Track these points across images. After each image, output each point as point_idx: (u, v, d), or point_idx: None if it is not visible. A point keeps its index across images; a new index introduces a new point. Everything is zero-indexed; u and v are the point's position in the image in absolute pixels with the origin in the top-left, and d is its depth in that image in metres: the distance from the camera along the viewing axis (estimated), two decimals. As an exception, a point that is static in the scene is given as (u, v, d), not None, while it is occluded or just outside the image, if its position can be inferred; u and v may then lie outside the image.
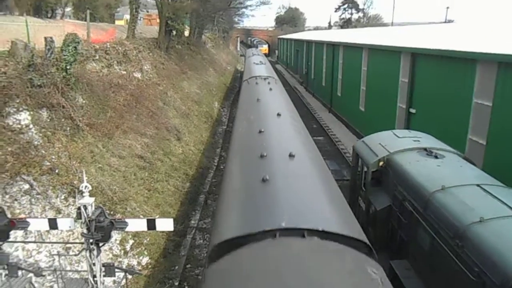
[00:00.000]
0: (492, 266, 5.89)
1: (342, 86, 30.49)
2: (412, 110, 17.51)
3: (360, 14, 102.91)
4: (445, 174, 8.58)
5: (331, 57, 33.37)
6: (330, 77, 33.58)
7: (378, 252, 5.41)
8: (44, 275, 8.35)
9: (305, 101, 39.51)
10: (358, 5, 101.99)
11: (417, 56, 17.17)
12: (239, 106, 15.03)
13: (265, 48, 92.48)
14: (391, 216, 9.57)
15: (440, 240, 7.23)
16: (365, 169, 10.81)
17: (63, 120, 12.08)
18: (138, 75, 20.44)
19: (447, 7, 68.42)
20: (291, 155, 6.88)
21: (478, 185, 7.84)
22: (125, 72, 19.06)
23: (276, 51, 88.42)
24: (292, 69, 62.76)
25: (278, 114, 10.39)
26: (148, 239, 11.48)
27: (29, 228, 6.82)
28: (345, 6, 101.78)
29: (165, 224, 7.15)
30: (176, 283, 10.59)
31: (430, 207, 7.83)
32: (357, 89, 25.78)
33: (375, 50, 22.77)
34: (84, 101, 13.80)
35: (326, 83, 35.63)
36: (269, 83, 17.99)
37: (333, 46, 32.62)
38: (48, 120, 11.65)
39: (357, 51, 25.87)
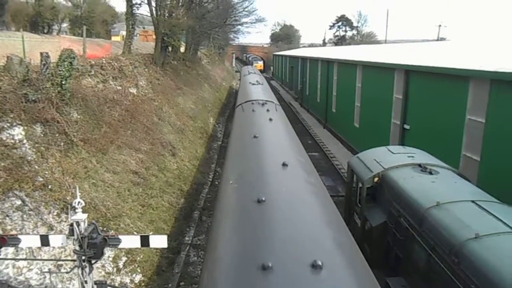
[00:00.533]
0: (488, 282, 5.85)
1: (337, 102, 30.70)
2: (407, 126, 17.63)
3: (354, 32, 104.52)
4: (439, 190, 8.59)
5: (325, 74, 33.68)
6: (324, 93, 33.82)
7: (374, 269, 5.36)
8: (34, 293, 8.18)
9: (300, 117, 39.68)
10: (352, 22, 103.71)
11: (411, 73, 17.37)
12: (230, 144, 11.85)
13: (260, 64, 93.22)
14: (386, 233, 9.53)
15: (435, 257, 7.19)
16: (360, 185, 10.81)
17: (57, 135, 12.02)
18: (133, 90, 20.47)
19: (439, 25, 69.50)
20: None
21: (473, 201, 7.84)
22: (120, 88, 19.08)
23: (271, 67, 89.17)
24: (287, 85, 63.19)
25: (284, 165, 7.60)
26: (141, 256, 11.32)
27: (20, 245, 6.70)
28: (339, 23, 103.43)
29: (159, 241, 7.06)
30: (170, 301, 10.41)
31: (425, 224, 7.81)
32: (351, 105, 25.96)
33: (369, 67, 23.02)
34: (78, 116, 13.76)
35: (321, 99, 35.86)
36: (268, 110, 15.14)
37: (328, 63, 32.96)
38: (42, 135, 11.59)
39: (351, 68, 26.14)
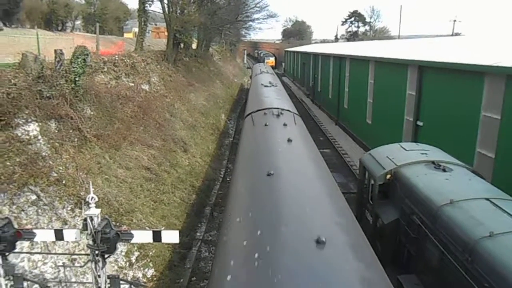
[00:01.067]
0: (502, 281, 5.77)
1: (349, 98, 30.49)
2: (420, 123, 17.43)
3: (367, 27, 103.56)
4: (453, 187, 8.48)
5: (337, 70, 33.46)
6: (336, 89, 33.61)
7: (386, 267, 5.33)
8: (49, 287, 8.32)
9: (312, 113, 39.53)
10: (364, 18, 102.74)
11: (425, 69, 17.15)
12: (235, 181, 8.54)
13: (272, 60, 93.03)
14: (398, 230, 9.45)
15: (449, 255, 7.12)
16: (372, 182, 10.73)
17: (71, 131, 12.17)
18: (145, 87, 20.60)
19: (454, 20, 68.36)
20: None
21: (487, 199, 7.73)
22: (133, 84, 19.22)
23: (283, 64, 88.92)
24: (298, 81, 62.95)
25: (319, 242, 4.77)
26: (153, 251, 11.43)
27: (35, 239, 6.80)
28: (352, 19, 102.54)
29: (171, 236, 7.10)
30: (181, 296, 10.51)
31: (439, 221, 7.73)
32: (364, 101, 25.75)
33: (382, 63, 22.79)
34: (92, 113, 13.91)
35: (332, 95, 35.65)
36: (285, 124, 11.63)
37: (340, 59, 32.73)
38: (56, 131, 11.74)
39: (364, 64, 25.92)
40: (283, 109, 13.78)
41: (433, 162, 9.89)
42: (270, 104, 14.98)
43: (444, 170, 9.43)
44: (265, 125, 11.61)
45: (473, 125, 13.27)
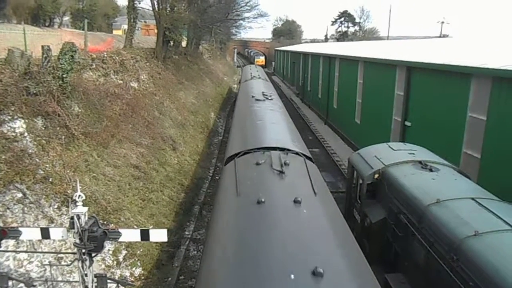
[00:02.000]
0: (487, 280, 5.87)
1: (338, 98, 30.66)
2: (408, 123, 17.61)
3: (357, 28, 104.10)
4: (440, 187, 8.59)
5: (327, 70, 33.61)
6: (326, 89, 33.77)
7: (373, 265, 5.38)
8: (35, 286, 8.22)
9: (301, 112, 39.66)
10: (354, 18, 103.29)
11: (413, 69, 17.32)
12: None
13: (262, 59, 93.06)
14: (386, 229, 9.54)
15: (435, 254, 7.21)
16: (360, 181, 10.82)
17: (58, 128, 12.03)
18: (134, 84, 20.45)
19: (442, 22, 69.11)
20: None
21: (473, 199, 7.85)
22: (121, 82, 19.07)
23: (273, 63, 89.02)
24: (288, 80, 63.07)
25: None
26: (141, 250, 11.36)
27: (21, 238, 6.72)
28: (342, 19, 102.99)
29: (159, 235, 7.08)
30: (169, 295, 10.47)
31: (425, 220, 7.82)
32: (353, 101, 25.92)
33: (371, 63, 22.96)
34: (80, 110, 13.76)
35: (322, 95, 35.81)
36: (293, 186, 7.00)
37: (330, 59, 32.87)
38: (43, 128, 11.60)
39: (353, 64, 26.08)
40: (285, 149, 8.94)
41: (420, 162, 10.01)
42: (268, 137, 10.19)
43: (431, 170, 9.55)
44: (259, 201, 6.21)
45: (459, 126, 13.45)
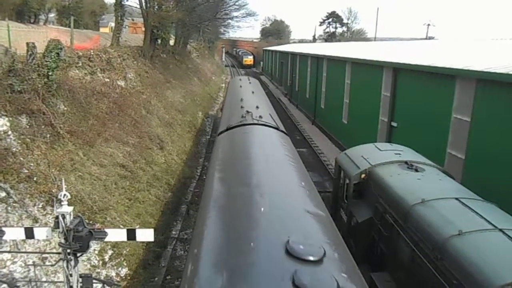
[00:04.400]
0: (470, 279, 5.97)
1: (326, 98, 30.84)
2: (394, 124, 17.80)
3: (344, 29, 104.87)
4: (425, 187, 8.71)
5: (315, 70, 33.77)
6: (314, 89, 33.93)
7: (359, 265, 5.43)
8: (18, 286, 8.10)
9: (289, 112, 39.78)
10: (342, 19, 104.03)
11: (399, 70, 17.52)
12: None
13: (250, 59, 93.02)
14: (372, 229, 9.64)
15: (419, 253, 7.30)
16: (347, 181, 10.90)
17: (43, 127, 11.87)
18: (121, 83, 20.27)
19: (428, 24, 70.03)
20: None
21: (457, 199, 7.97)
22: (108, 80, 18.88)
23: (261, 63, 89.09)
24: (276, 80, 63.20)
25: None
26: (127, 250, 11.28)
27: (4, 237, 6.62)
28: (330, 20, 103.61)
29: (146, 235, 7.04)
30: (156, 295, 10.41)
31: (410, 220, 7.92)
32: (340, 102, 26.10)
33: (358, 64, 23.15)
34: (65, 108, 13.59)
35: (310, 95, 35.98)
36: None
37: (318, 59, 33.04)
38: (28, 126, 11.43)
39: (341, 65, 26.25)
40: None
41: (406, 162, 10.12)
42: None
43: (416, 170, 9.67)
44: None
45: (444, 126, 13.65)
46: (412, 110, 16.27)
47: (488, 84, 11.61)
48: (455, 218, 7.24)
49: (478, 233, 6.67)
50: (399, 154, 10.91)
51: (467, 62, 13.47)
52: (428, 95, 14.95)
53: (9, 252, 8.72)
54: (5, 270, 8.54)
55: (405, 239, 7.89)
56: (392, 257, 8.62)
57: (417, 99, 15.87)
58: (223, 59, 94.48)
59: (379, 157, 10.77)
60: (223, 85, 55.42)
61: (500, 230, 6.68)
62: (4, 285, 7.31)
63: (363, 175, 10.40)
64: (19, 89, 11.50)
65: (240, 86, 22.56)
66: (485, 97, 11.79)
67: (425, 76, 15.13)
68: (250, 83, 25.31)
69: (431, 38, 63.65)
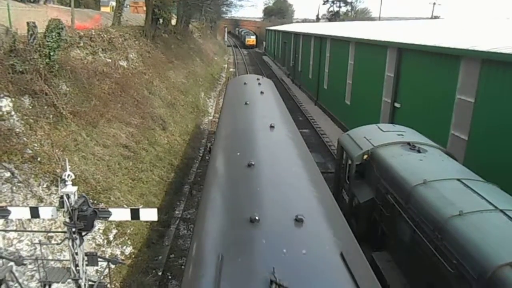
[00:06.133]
0: (470, 258, 6.04)
1: (329, 79, 30.61)
2: (397, 105, 17.71)
3: (348, 8, 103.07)
4: (427, 168, 8.73)
5: (318, 50, 33.41)
6: (317, 69, 33.65)
7: (361, 244, 5.51)
8: (25, 264, 8.26)
9: (292, 93, 39.58)
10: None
11: (403, 51, 17.32)
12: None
13: (252, 39, 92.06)
14: (373, 209, 9.71)
15: (420, 233, 7.37)
16: (350, 162, 10.93)
17: (46, 107, 11.88)
18: (123, 63, 20.16)
19: (434, 3, 68.80)
20: None
21: (458, 180, 8.00)
22: (110, 60, 18.78)
23: (264, 43, 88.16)
24: (279, 61, 62.64)
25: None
26: (131, 229, 11.43)
27: (10, 217, 6.72)
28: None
29: (149, 214, 7.12)
30: (160, 273, 10.60)
31: (412, 201, 7.97)
32: (343, 82, 25.91)
33: (362, 44, 22.87)
34: (67, 89, 13.57)
35: (313, 75, 35.71)
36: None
37: (321, 39, 32.65)
38: (31, 107, 11.44)
39: (344, 45, 25.95)
40: None
41: (408, 143, 10.12)
42: None
43: (418, 151, 9.67)
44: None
45: (448, 107, 13.57)
46: (416, 91, 16.16)
47: (494, 64, 11.48)
48: (456, 198, 7.28)
49: (478, 214, 6.72)
50: (402, 135, 10.89)
51: (473, 42, 13.29)
52: (432, 76, 14.81)
53: (15, 231, 8.86)
54: (11, 249, 8.69)
55: (406, 219, 7.96)
56: (392, 237, 8.71)
57: (421, 80, 15.74)
58: (226, 39, 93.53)
59: (381, 138, 10.76)
60: (226, 65, 55.03)
61: (501, 211, 6.72)
62: (11, 263, 7.45)
63: (365, 156, 10.42)
64: (21, 69, 11.46)
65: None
66: (490, 78, 11.68)
67: (430, 57, 14.97)
68: (260, 84, 16.52)
69: (436, 17, 62.68)
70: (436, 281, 6.83)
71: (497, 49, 11.27)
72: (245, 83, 16.50)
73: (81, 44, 17.21)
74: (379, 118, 19.31)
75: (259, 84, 16.56)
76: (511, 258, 5.57)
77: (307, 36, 39.37)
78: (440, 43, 14.67)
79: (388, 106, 18.53)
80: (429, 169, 8.63)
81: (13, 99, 10.93)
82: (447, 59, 13.80)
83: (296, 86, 43.52)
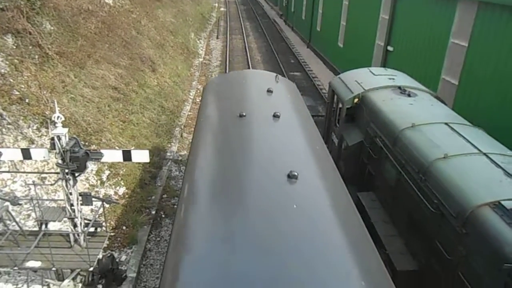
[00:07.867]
0: (450, 199, 6.31)
1: (322, 20, 29.79)
2: (390, 48, 17.48)
3: None
4: (416, 112, 8.82)
5: (312, -11, 32.20)
6: (310, 10, 32.63)
7: (348, 185, 5.70)
8: (21, 204, 8.45)
9: (284, 35, 38.63)
10: None
11: (399, -9, 16.81)
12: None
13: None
14: (361, 152, 9.92)
15: (405, 175, 7.62)
16: (340, 105, 10.97)
17: (30, 47, 11.52)
18: (109, 1, 19.31)
19: None
20: None
21: (446, 124, 8.13)
22: (95, -3, 17.94)
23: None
24: (272, 0, 60.41)
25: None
26: (124, 170, 11.61)
27: (1, 158, 6.77)
28: None
29: (141, 156, 7.23)
30: (153, 212, 10.94)
31: (399, 144, 8.14)
32: (337, 24, 25.28)
33: (357, -17, 22.07)
34: (52, 28, 13.08)
35: (306, 17, 34.69)
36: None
37: (315, -23, 31.36)
38: (14, 47, 11.10)
39: (339, -16, 25.02)
40: None
41: (399, 88, 10.13)
42: None
43: (409, 95, 9.72)
44: None
45: (441, 51, 13.46)
46: (410, 35, 15.89)
47: (490, 7, 11.25)
48: (442, 142, 7.44)
49: (462, 157, 6.92)
50: (393, 79, 10.86)
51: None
52: (428, 19, 14.51)
53: (8, 172, 8.96)
54: (6, 189, 8.84)
55: (393, 161, 8.18)
56: (378, 178, 8.99)
57: (415, 23, 15.43)
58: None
59: (372, 81, 10.74)
60: (216, 4, 53.03)
61: (484, 154, 6.92)
62: (7, 202, 7.62)
63: (356, 100, 10.45)
64: (0, 6, 10.96)
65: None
66: (485, 21, 11.49)
67: (426, -2, 14.57)
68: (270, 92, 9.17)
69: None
70: (417, 220, 7.18)
71: (495, -9, 10.99)
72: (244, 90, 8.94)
73: (64, -21, 16.33)
74: (371, 62, 19.13)
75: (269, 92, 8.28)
76: (489, 199, 5.82)
77: (301, -26, 37.73)
78: (438, -17, 14.22)
79: (381, 50, 18.29)
80: (418, 113, 8.72)
81: (-5, 38, 10.57)
82: (444, 0, 13.46)
83: (289, 28, 42.38)
